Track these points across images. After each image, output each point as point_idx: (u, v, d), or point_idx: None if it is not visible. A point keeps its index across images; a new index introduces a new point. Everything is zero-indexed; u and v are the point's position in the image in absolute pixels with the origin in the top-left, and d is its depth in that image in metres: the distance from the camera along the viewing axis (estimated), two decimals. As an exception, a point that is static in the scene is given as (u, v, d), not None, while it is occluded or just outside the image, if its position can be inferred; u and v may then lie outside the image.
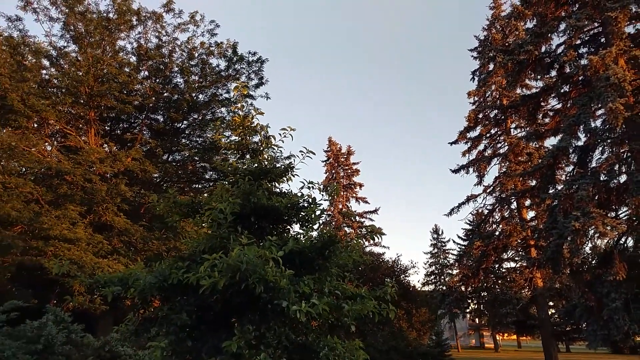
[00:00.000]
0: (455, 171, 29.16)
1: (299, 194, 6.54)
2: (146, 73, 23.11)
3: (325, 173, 44.06)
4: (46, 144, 20.98)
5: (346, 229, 40.36)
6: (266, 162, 6.47)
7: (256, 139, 6.60)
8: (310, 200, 6.35)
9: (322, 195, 6.87)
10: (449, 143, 29.57)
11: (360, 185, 42.96)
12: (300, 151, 6.31)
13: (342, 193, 41.74)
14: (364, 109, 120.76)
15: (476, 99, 30.01)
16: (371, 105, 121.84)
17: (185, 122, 24.16)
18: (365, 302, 5.67)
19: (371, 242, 5.77)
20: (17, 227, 18.22)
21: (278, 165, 6.52)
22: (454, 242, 57.50)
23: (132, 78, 21.35)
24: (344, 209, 41.54)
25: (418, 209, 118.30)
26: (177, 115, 22.50)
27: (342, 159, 43.84)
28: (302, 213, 6.46)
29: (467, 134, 29.32)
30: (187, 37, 23.31)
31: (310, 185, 6.46)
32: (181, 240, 19.55)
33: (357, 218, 41.31)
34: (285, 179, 6.54)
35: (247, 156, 6.66)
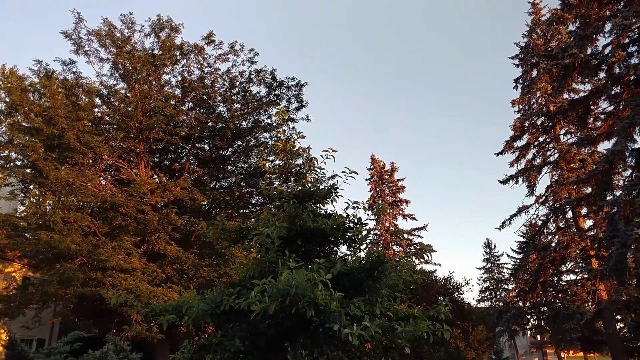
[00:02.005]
0: (504, 182, 28.34)
1: (344, 215, 6.51)
2: (191, 104, 23.88)
3: (370, 191, 43.80)
4: (100, 178, 21.91)
5: (395, 247, 39.78)
6: (310, 185, 6.50)
7: (299, 162, 6.66)
8: (356, 220, 6.31)
9: (368, 214, 6.81)
10: (495, 154, 28.90)
11: (407, 202, 42.42)
12: (343, 172, 6.32)
13: (388, 211, 41.31)
14: (405, 125, 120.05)
15: (521, 107, 29.26)
16: (413, 120, 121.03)
17: (230, 149, 24.71)
18: (419, 323, 5.53)
19: (421, 260, 5.65)
20: (77, 259, 19.01)
21: (322, 187, 6.54)
22: (507, 255, 55.62)
23: (178, 110, 22.10)
24: (391, 227, 41.02)
25: (467, 223, 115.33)
26: (222, 143, 23.03)
27: (386, 177, 43.48)
28: (348, 234, 6.43)
29: (514, 143, 28.55)
30: (227, 67, 24.03)
31: (355, 205, 6.43)
32: (231, 267, 19.85)
33: (405, 235, 40.66)
34: (329, 200, 6.54)
35: (291, 179, 6.72)
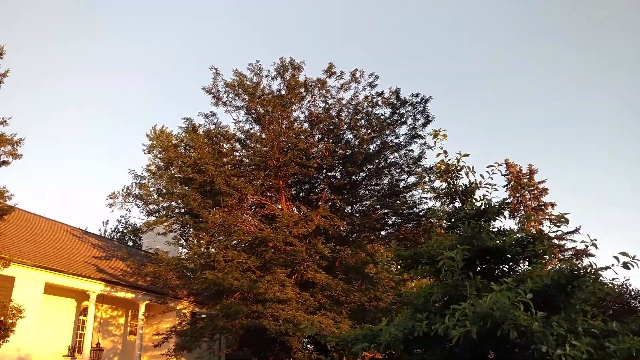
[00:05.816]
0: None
1: (517, 229, 6.27)
2: (319, 135, 24.84)
3: (509, 198, 41.29)
4: (247, 216, 23.60)
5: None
6: (479, 203, 6.38)
7: (464, 181, 6.58)
8: (536, 234, 6.03)
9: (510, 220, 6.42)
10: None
11: (552, 205, 39.17)
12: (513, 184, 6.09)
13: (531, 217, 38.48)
14: (538, 120, 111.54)
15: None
16: (546, 114, 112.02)
17: (361, 173, 25.13)
18: (630, 339, 5.06)
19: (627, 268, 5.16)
20: (237, 293, 20.54)
21: (492, 203, 6.37)
22: (682, 252, 48.47)
23: (309, 143, 23.09)
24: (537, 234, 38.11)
25: (627, 221, 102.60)
26: (353, 168, 23.52)
27: (525, 180, 40.78)
28: (527, 249, 6.15)
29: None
30: (350, 94, 24.67)
31: (527, 217, 6.15)
32: (380, 290, 19.98)
33: (556, 241, 37.46)
34: (502, 216, 6.34)
35: (457, 199, 6.65)
